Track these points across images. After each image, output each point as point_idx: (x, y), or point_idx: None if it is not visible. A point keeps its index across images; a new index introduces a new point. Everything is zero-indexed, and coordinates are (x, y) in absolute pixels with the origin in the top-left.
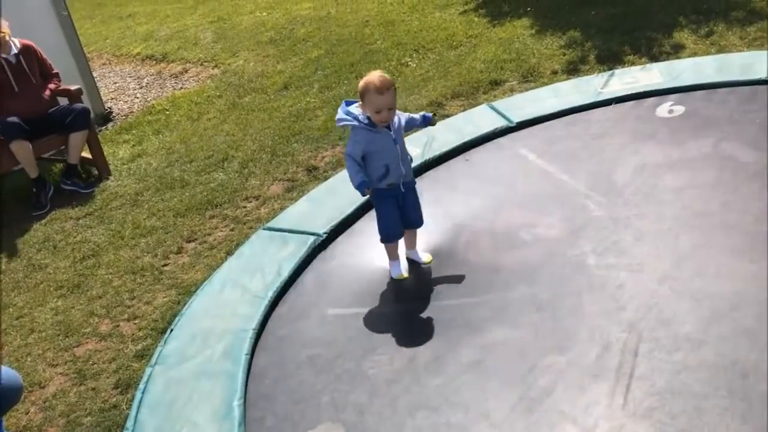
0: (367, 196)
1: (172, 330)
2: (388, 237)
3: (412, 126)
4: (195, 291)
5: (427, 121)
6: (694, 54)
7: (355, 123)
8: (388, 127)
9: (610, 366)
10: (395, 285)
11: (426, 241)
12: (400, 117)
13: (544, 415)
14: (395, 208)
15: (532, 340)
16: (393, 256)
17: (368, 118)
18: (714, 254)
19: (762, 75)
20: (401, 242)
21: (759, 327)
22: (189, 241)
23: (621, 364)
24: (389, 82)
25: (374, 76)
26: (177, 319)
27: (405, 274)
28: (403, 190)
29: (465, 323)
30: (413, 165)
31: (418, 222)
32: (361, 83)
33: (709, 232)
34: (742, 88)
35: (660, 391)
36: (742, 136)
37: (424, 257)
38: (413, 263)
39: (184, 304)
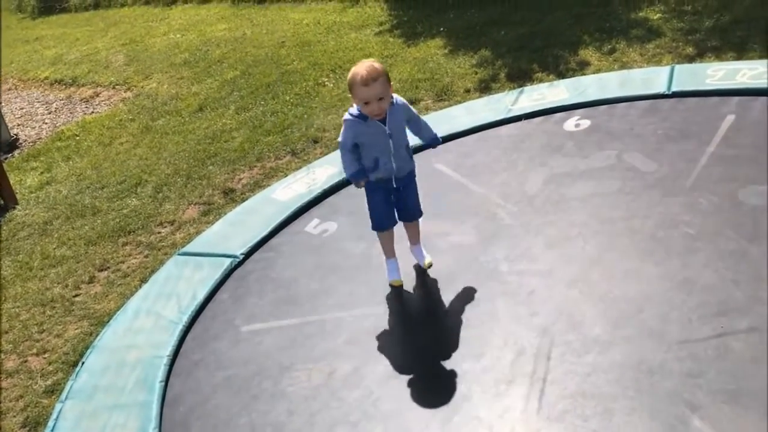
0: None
1: (83, 363)
2: (376, 226)
3: (416, 133)
4: (108, 321)
5: (433, 142)
6: (599, 70)
7: (347, 117)
8: (384, 120)
9: (524, 371)
10: (311, 296)
11: (342, 248)
12: (403, 111)
13: (462, 423)
14: (384, 201)
15: (449, 348)
16: (387, 253)
17: (359, 110)
18: (620, 258)
19: (660, 89)
20: (404, 236)
21: (663, 327)
22: (101, 270)
23: (535, 369)
24: (376, 72)
25: (362, 66)
26: (89, 351)
27: (399, 279)
28: (395, 186)
29: (383, 333)
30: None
31: (415, 215)
32: (349, 74)
33: (615, 237)
34: (642, 102)
35: (572, 394)
36: (642, 147)
37: (426, 260)
38: (419, 268)
39: (97, 335)
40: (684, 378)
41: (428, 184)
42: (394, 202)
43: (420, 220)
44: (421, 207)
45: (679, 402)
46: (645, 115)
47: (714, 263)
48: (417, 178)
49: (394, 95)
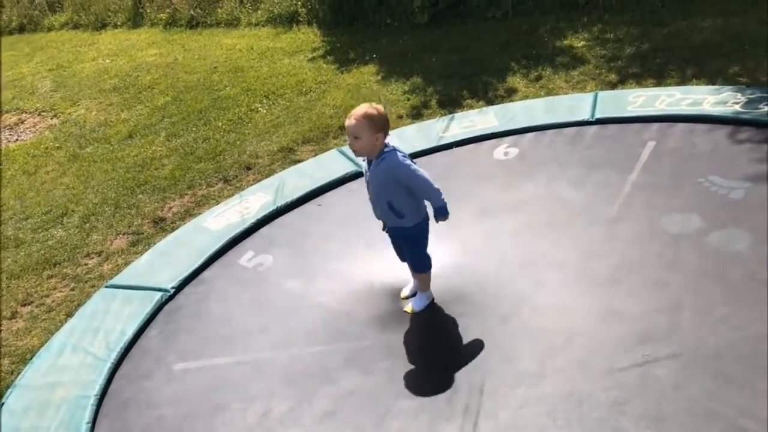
0: None
1: (3, 403)
2: None
3: (425, 199)
4: (30, 358)
5: (437, 213)
6: (526, 96)
7: None
8: (371, 164)
9: (458, 406)
10: (246, 334)
11: (278, 283)
12: (388, 171)
13: None
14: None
15: (385, 386)
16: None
17: None
18: (549, 291)
19: (585, 116)
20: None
21: (590, 358)
22: (24, 305)
23: (468, 404)
24: (359, 113)
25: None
26: (9, 391)
27: (403, 293)
28: (385, 230)
29: (320, 371)
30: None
31: (411, 266)
32: None
33: (544, 270)
34: (567, 129)
35: (504, 426)
36: (568, 176)
37: (409, 306)
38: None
39: (19, 374)
40: (610, 406)
41: (363, 214)
42: None
43: (357, 251)
44: (420, 267)
45: (606, 430)
46: (570, 142)
47: (637, 292)
48: (352, 207)
49: (394, 151)
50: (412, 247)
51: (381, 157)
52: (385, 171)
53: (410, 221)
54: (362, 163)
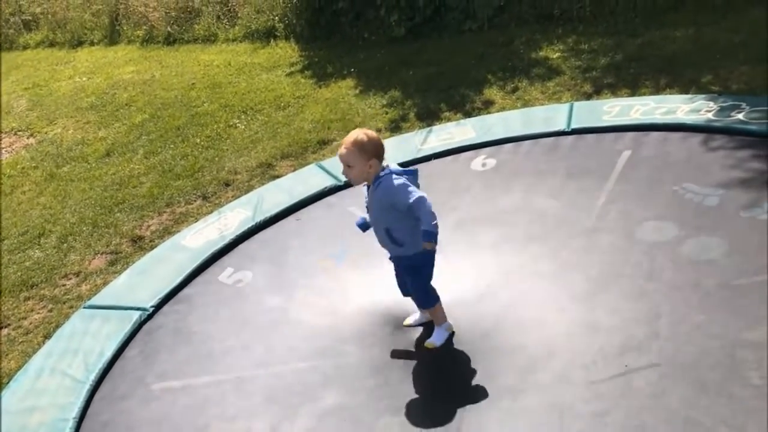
0: None
1: None
2: None
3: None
4: (8, 382)
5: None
6: (503, 108)
7: None
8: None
9: (440, 422)
10: (226, 352)
11: (258, 300)
12: (385, 195)
13: None
14: (394, 266)
15: (367, 404)
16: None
17: None
18: (529, 305)
19: (561, 127)
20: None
21: (570, 370)
22: (1, 328)
23: (450, 421)
24: (349, 140)
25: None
26: None
27: (406, 321)
28: (390, 259)
29: (301, 390)
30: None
31: (415, 301)
32: None
33: (523, 283)
34: (544, 140)
35: None
36: (545, 186)
37: (428, 341)
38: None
39: None
40: (592, 418)
41: (342, 228)
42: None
43: (336, 263)
44: (423, 301)
45: None
46: (547, 153)
47: (615, 303)
48: (331, 222)
49: (390, 174)
50: (412, 277)
51: (377, 181)
52: (381, 197)
53: (410, 250)
54: (363, 189)
